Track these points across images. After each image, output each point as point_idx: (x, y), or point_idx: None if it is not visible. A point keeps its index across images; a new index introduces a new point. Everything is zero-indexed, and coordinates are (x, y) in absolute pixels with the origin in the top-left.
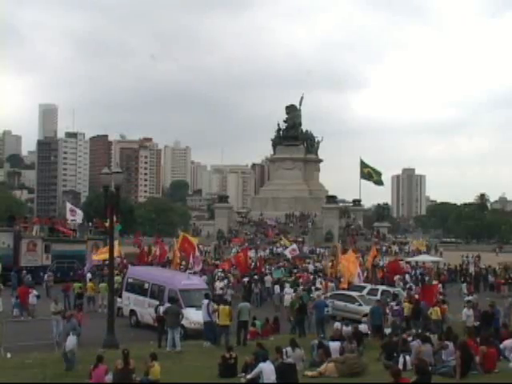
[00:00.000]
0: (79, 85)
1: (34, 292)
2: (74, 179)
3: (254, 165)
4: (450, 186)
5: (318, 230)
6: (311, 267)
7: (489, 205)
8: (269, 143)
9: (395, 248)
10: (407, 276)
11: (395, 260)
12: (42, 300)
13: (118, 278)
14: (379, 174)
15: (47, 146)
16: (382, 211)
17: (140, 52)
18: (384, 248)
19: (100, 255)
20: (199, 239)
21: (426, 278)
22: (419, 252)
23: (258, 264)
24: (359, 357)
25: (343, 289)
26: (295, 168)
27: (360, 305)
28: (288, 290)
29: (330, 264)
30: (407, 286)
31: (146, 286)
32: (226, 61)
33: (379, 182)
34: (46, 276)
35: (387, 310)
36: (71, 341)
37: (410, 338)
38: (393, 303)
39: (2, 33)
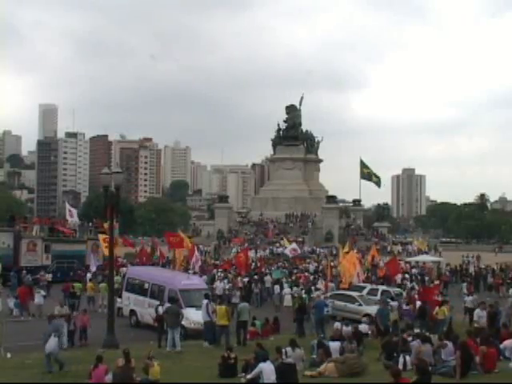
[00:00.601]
0: (79, 85)
1: (42, 292)
2: (74, 179)
3: (254, 165)
4: (450, 185)
5: (318, 230)
6: (312, 267)
7: (489, 205)
8: (269, 143)
9: (398, 248)
10: (406, 276)
11: (393, 259)
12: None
13: (117, 278)
14: (377, 176)
15: (47, 146)
16: (382, 211)
17: (140, 52)
18: (388, 248)
19: None
20: (199, 239)
21: (426, 278)
22: (421, 252)
23: (258, 264)
24: (359, 357)
25: (343, 289)
26: (295, 168)
27: (360, 305)
28: (287, 290)
29: (328, 264)
30: (409, 286)
31: (146, 285)
32: (226, 61)
33: (378, 183)
34: (39, 275)
35: None
36: (51, 343)
37: (410, 338)
38: (393, 303)
39: (2, 33)
